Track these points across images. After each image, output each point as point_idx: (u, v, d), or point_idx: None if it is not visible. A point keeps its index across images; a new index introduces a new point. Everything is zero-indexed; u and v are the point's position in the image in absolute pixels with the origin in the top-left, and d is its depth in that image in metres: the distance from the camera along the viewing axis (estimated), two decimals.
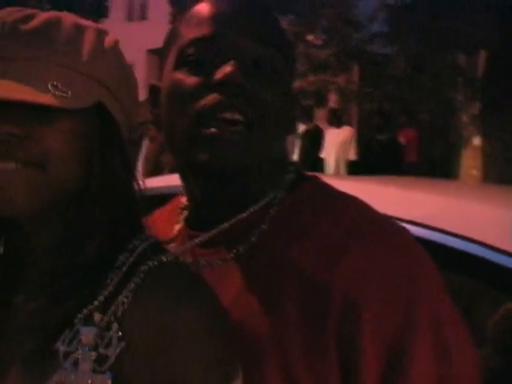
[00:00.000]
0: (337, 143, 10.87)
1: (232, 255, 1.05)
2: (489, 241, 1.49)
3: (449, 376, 0.94)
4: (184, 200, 1.21)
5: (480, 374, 0.99)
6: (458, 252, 1.52)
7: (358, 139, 10.84)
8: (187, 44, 1.05)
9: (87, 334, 0.86)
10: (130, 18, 29.43)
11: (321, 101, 11.88)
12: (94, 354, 0.85)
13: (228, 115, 1.00)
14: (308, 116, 11.65)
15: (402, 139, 10.31)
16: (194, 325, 0.86)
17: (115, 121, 0.98)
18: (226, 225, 1.07)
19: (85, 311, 0.87)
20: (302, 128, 12.00)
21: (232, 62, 1.00)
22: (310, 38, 10.91)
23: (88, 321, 0.87)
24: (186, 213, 1.19)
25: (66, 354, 0.85)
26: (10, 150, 0.87)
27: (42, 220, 0.94)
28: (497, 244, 1.48)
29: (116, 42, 1.03)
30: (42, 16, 0.95)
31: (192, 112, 1.02)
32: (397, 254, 0.98)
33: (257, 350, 0.94)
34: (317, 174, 1.20)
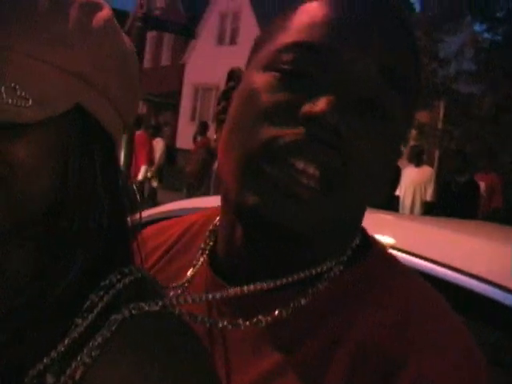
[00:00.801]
0: (415, 182, 10.65)
1: (268, 319, 0.85)
2: None
3: None
4: (216, 220, 0.99)
5: None
6: None
7: (437, 180, 10.54)
8: (290, 45, 0.82)
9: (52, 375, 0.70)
10: (220, 41, 30.03)
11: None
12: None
13: (301, 165, 0.77)
14: None
15: (482, 183, 10.02)
16: None
17: (100, 124, 0.79)
18: (265, 285, 0.86)
19: (38, 367, 0.71)
20: None
21: (332, 97, 0.77)
22: None
23: (40, 381, 0.70)
24: (214, 237, 0.98)
25: None
26: None
27: (4, 245, 0.78)
28: None
29: (110, 17, 0.81)
30: None
31: (261, 138, 0.80)
32: (453, 358, 0.80)
33: None
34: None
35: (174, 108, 29.93)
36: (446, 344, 0.81)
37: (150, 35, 26.61)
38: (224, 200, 0.90)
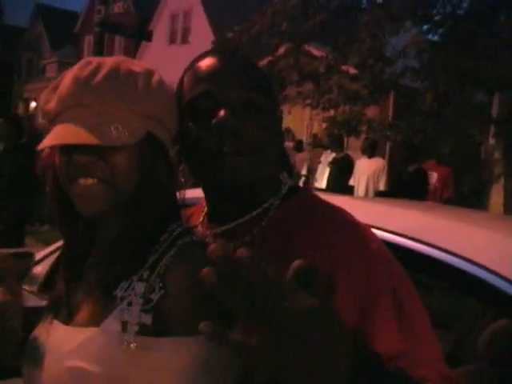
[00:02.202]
0: (368, 173, 11.01)
1: (239, 244, 1.34)
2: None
3: (406, 325, 1.22)
4: (204, 205, 1.55)
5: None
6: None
7: (389, 171, 10.96)
8: (191, 99, 1.37)
9: (139, 286, 1.20)
10: (172, 41, 29.94)
11: (352, 131, 12.08)
12: (142, 300, 1.17)
13: (226, 148, 1.32)
14: (338, 145, 11.84)
15: (434, 173, 10.38)
16: None
17: (161, 142, 1.31)
18: (238, 221, 1.40)
19: (140, 272, 1.22)
20: (331, 156, 12.20)
21: (223, 110, 1.31)
22: (344, 68, 11.14)
23: (140, 277, 1.21)
24: (205, 209, 1.53)
25: (122, 298, 1.19)
26: (90, 171, 1.23)
27: (108, 215, 1.29)
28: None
29: (160, 79, 1.33)
30: (105, 68, 1.26)
31: (202, 149, 1.34)
32: (363, 247, 1.29)
33: None
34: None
35: None
36: (358, 245, 1.29)
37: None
38: (202, 185, 1.46)
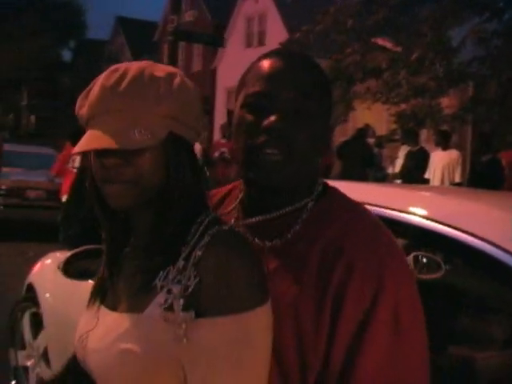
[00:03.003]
0: (443, 165, 10.97)
1: (270, 244, 1.45)
2: None
3: (398, 342, 1.29)
4: (238, 190, 1.64)
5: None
6: None
7: (463, 162, 10.85)
8: (250, 94, 1.44)
9: (176, 276, 1.29)
10: (248, 44, 30.23)
11: (420, 123, 12.00)
12: (180, 288, 1.27)
13: (269, 150, 1.39)
14: (412, 138, 11.79)
15: (503, 159, 10.21)
16: (240, 270, 1.28)
17: (183, 139, 1.39)
18: (268, 216, 1.48)
19: (175, 262, 1.31)
20: (405, 149, 12.14)
21: (275, 115, 1.39)
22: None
23: (177, 266, 1.31)
24: (241, 195, 1.60)
25: (162, 287, 1.30)
26: (117, 174, 1.33)
27: (137, 210, 1.40)
28: None
29: (182, 80, 1.40)
30: (130, 74, 1.34)
31: (248, 143, 1.41)
32: (377, 250, 1.35)
33: (278, 308, 1.33)
34: None
35: (209, 113, 30.44)
36: (373, 241, 1.37)
37: (180, 43, 27.12)
38: (243, 173, 1.51)
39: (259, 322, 1.27)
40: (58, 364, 3.82)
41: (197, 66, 33.75)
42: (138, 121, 1.31)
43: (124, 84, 1.33)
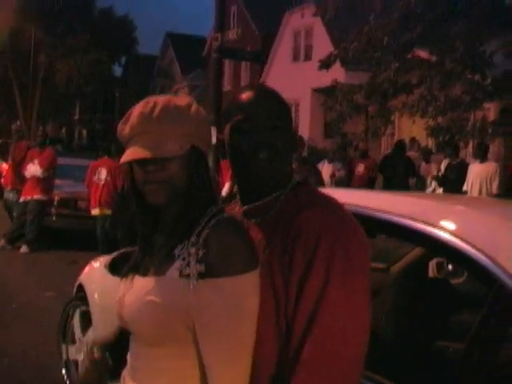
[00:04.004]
0: (481, 177, 11.17)
1: (259, 220, 1.89)
2: None
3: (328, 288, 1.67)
4: (238, 202, 2.07)
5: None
6: None
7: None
8: (236, 122, 1.89)
9: (191, 247, 1.73)
10: (295, 58, 30.52)
11: (453, 136, 12.18)
12: (193, 256, 1.71)
13: (261, 155, 1.85)
14: (453, 151, 11.99)
15: None
16: (236, 244, 1.72)
17: (201, 151, 1.85)
18: (256, 203, 1.92)
19: (190, 238, 1.75)
20: (444, 161, 12.34)
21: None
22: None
23: (191, 241, 1.74)
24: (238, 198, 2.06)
25: (179, 256, 1.74)
26: (154, 177, 1.77)
27: (169, 203, 1.82)
28: None
29: (197, 107, 1.87)
30: (159, 105, 1.79)
31: (244, 154, 1.87)
32: (336, 222, 1.77)
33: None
34: None
35: None
36: (342, 231, 1.75)
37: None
38: (237, 181, 2.00)
39: (251, 282, 1.70)
40: None
41: (244, 80, 34.16)
42: (168, 138, 1.77)
43: (156, 112, 1.78)
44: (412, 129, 17.81)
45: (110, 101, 49.11)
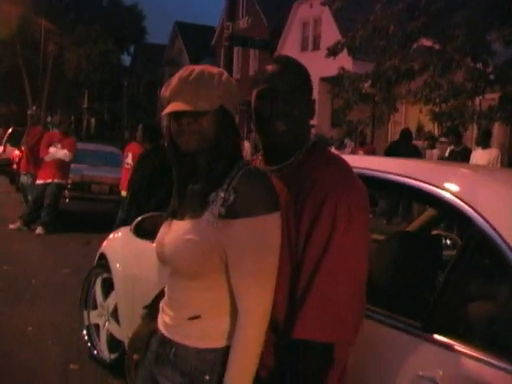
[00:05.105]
0: (483, 163, 11.27)
1: (278, 174, 2.17)
2: None
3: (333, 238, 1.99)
4: (259, 157, 2.36)
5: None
6: None
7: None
8: (261, 90, 2.19)
9: (221, 194, 2.02)
10: (303, 48, 30.59)
11: (461, 122, 12.39)
12: (222, 200, 2.01)
13: (278, 123, 2.14)
14: (457, 138, 12.24)
15: None
16: (261, 189, 2.00)
17: (229, 111, 2.11)
18: (281, 165, 2.20)
19: (222, 186, 2.02)
20: (449, 148, 12.58)
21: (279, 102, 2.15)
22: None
23: (223, 188, 2.02)
24: (261, 158, 2.34)
25: (212, 201, 2.02)
26: (188, 128, 2.04)
27: (199, 154, 2.10)
28: None
29: (227, 76, 2.14)
30: (196, 71, 2.07)
31: (266, 119, 2.16)
32: (343, 180, 2.07)
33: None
34: None
35: None
36: (348, 188, 2.05)
37: (237, 48, 27.65)
38: (262, 143, 2.30)
39: (274, 221, 1.99)
40: (125, 319, 4.61)
41: (253, 68, 34.21)
42: (201, 97, 2.03)
43: (193, 76, 2.06)
44: (419, 118, 18.00)
45: (119, 90, 49.23)
